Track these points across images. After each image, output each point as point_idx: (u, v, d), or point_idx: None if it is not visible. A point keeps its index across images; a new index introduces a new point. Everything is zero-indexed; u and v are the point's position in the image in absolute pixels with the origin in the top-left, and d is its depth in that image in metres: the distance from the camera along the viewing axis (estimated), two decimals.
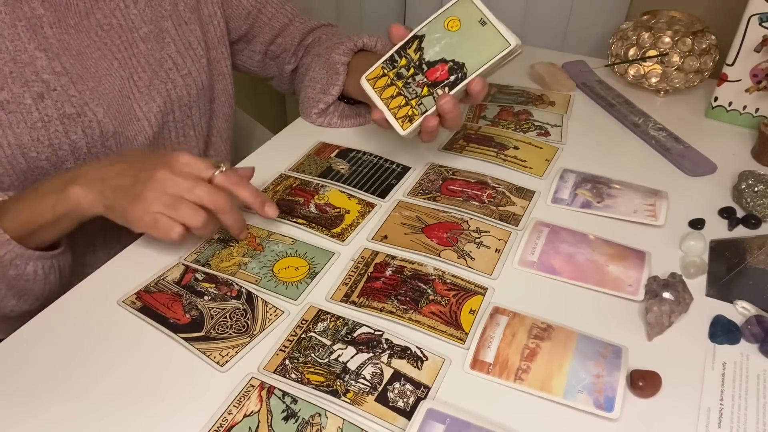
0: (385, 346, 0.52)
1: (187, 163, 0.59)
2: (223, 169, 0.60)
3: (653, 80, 0.91)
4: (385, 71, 0.66)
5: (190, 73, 0.76)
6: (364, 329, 0.54)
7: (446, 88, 0.64)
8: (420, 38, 0.65)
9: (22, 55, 0.63)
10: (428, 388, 0.49)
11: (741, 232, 0.67)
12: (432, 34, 0.64)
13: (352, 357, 0.51)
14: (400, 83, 0.65)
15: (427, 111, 0.64)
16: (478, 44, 0.63)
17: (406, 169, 0.75)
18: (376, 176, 0.74)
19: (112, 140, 0.69)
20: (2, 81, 0.62)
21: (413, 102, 0.64)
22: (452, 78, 0.63)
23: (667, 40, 0.89)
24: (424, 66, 0.64)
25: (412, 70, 0.65)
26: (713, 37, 0.90)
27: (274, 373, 0.50)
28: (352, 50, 0.81)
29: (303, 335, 0.53)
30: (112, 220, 0.59)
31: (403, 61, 0.65)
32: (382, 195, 0.71)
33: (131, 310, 0.55)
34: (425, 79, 0.64)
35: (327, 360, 0.51)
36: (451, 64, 0.63)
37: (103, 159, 0.64)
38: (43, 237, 0.60)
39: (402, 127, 0.65)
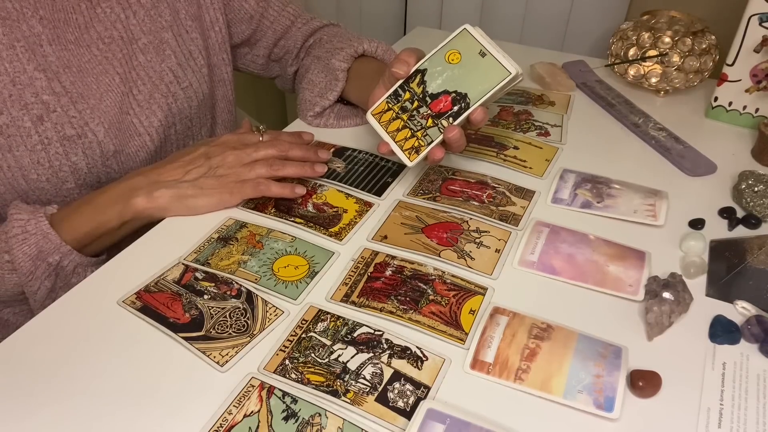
0: (385, 346, 0.52)
1: (237, 139, 0.70)
2: (262, 129, 0.72)
3: (653, 80, 0.91)
4: (390, 105, 0.67)
5: (191, 85, 0.76)
6: (364, 329, 0.54)
7: (450, 119, 0.65)
8: (422, 72, 0.66)
9: (21, 77, 0.62)
10: (428, 388, 0.49)
11: (741, 232, 0.67)
12: (434, 68, 0.66)
13: (352, 357, 0.51)
14: (405, 116, 0.66)
15: (432, 141, 0.65)
16: (480, 74, 0.64)
17: (401, 167, 0.75)
18: (371, 174, 0.74)
19: (112, 159, 0.70)
20: (1, 105, 0.62)
21: (419, 134, 0.66)
22: (456, 108, 0.65)
23: (667, 40, 0.89)
24: (427, 98, 0.66)
25: (416, 103, 0.66)
26: (713, 37, 0.90)
27: (274, 373, 0.50)
28: (352, 56, 0.80)
29: (303, 335, 0.53)
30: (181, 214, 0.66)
31: (407, 95, 0.66)
32: (378, 193, 0.71)
33: (131, 310, 0.55)
34: (429, 111, 0.65)
35: (327, 360, 0.51)
36: (454, 94, 0.65)
37: (151, 166, 0.68)
38: (103, 244, 0.65)
39: (409, 158, 0.66)
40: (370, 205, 0.69)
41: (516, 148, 0.79)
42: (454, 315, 0.55)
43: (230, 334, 0.53)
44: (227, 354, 0.52)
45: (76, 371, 0.50)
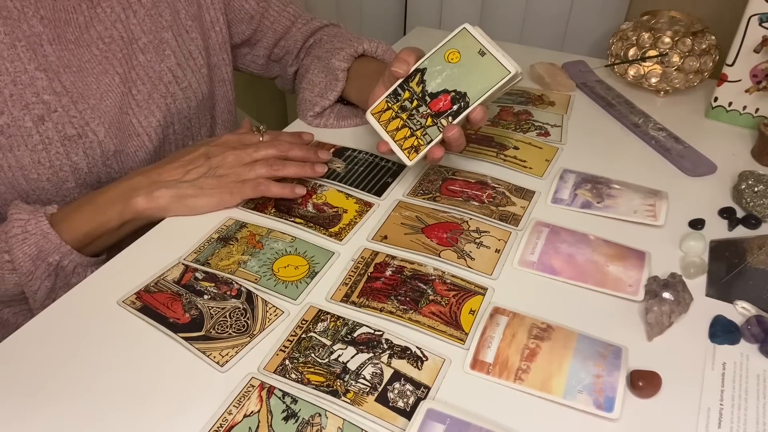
0: (385, 346, 0.52)
1: (237, 139, 0.70)
2: (262, 129, 0.72)
3: (653, 80, 0.91)
4: (389, 104, 0.67)
5: (190, 85, 0.76)
6: (364, 329, 0.54)
7: (449, 118, 0.65)
8: (422, 72, 0.66)
9: (22, 77, 0.62)
10: (428, 388, 0.49)
11: (741, 232, 0.67)
12: (433, 67, 0.66)
13: (352, 357, 0.51)
14: (404, 115, 0.66)
15: (432, 140, 0.65)
16: (479, 73, 0.64)
17: (401, 167, 0.75)
18: (371, 174, 0.74)
19: (113, 159, 0.70)
20: (2, 105, 0.62)
21: (418, 133, 0.66)
22: (455, 107, 0.64)
23: (667, 40, 0.89)
24: (427, 98, 0.66)
25: (415, 102, 0.66)
26: (713, 37, 0.90)
27: (274, 373, 0.50)
28: (352, 56, 0.80)
29: (303, 335, 0.53)
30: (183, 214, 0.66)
31: (407, 94, 0.66)
32: (378, 193, 0.71)
33: (131, 310, 0.55)
34: (429, 110, 0.65)
35: (327, 360, 0.51)
36: (453, 94, 0.65)
37: (151, 166, 0.68)
38: (103, 244, 0.65)
39: (408, 157, 0.66)
40: (370, 205, 0.69)
41: (516, 148, 0.79)
42: (454, 315, 0.55)
43: (230, 334, 0.53)
44: (227, 354, 0.52)
45: (75, 371, 0.50)
